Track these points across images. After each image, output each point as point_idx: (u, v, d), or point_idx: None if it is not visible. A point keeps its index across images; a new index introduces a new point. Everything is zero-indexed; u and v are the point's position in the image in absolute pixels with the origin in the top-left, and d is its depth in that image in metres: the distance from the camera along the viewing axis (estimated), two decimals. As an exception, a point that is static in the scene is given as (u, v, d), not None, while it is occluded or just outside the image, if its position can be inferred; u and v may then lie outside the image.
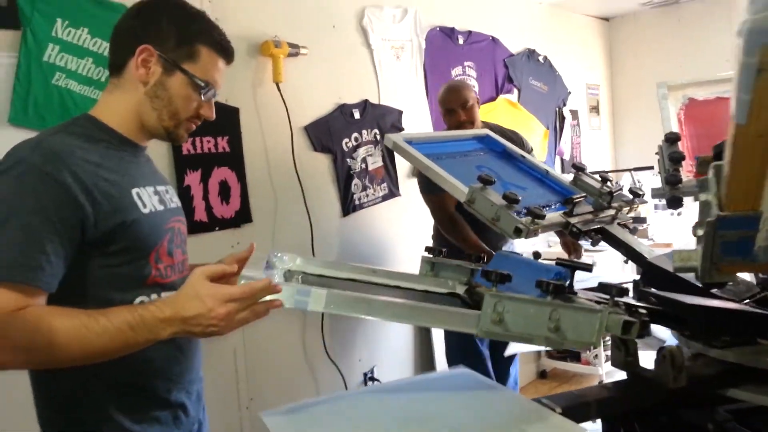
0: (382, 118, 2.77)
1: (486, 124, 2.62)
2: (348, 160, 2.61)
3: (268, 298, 0.97)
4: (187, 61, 1.07)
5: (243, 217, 2.23)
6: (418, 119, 3.00)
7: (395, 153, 2.75)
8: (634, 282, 1.40)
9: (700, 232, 0.89)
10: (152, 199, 1.07)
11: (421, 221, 2.92)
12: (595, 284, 1.22)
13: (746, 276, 1.42)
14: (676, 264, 0.96)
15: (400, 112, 2.87)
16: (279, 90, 2.31)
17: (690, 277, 1.29)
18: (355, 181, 2.63)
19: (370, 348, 2.74)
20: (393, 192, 2.82)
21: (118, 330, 0.90)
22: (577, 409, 1.00)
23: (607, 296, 1.05)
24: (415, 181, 2.94)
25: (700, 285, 1.22)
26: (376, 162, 2.74)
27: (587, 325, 0.98)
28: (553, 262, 1.26)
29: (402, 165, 2.88)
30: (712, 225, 0.85)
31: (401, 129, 2.85)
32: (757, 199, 0.75)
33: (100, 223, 0.96)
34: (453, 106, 2.45)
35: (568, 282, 1.17)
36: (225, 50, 1.12)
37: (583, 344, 1.00)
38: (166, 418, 1.07)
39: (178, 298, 0.94)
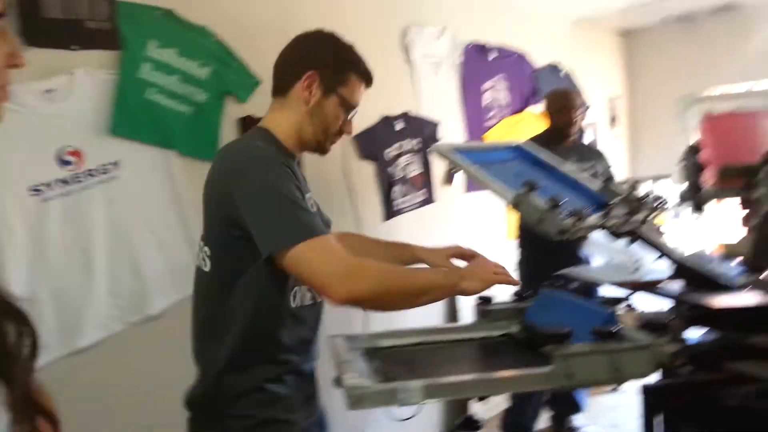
0: (421, 130, 2.99)
1: (576, 143, 2.93)
2: (389, 167, 2.84)
3: None
4: (340, 86, 1.25)
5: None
6: (453, 130, 3.22)
7: (434, 160, 3.00)
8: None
9: (754, 222, 1.08)
10: (311, 202, 1.23)
11: (452, 223, 3.14)
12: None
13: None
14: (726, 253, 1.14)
15: (436, 124, 3.09)
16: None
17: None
18: (396, 187, 2.85)
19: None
20: (429, 198, 3.04)
21: (435, 273, 1.31)
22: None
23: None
24: (447, 188, 3.17)
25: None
26: (415, 170, 2.96)
27: (642, 361, 1.15)
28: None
29: (438, 173, 3.10)
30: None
31: (437, 140, 3.06)
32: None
33: None
34: (570, 105, 2.76)
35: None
36: (368, 78, 1.30)
37: (640, 376, 1.17)
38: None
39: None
